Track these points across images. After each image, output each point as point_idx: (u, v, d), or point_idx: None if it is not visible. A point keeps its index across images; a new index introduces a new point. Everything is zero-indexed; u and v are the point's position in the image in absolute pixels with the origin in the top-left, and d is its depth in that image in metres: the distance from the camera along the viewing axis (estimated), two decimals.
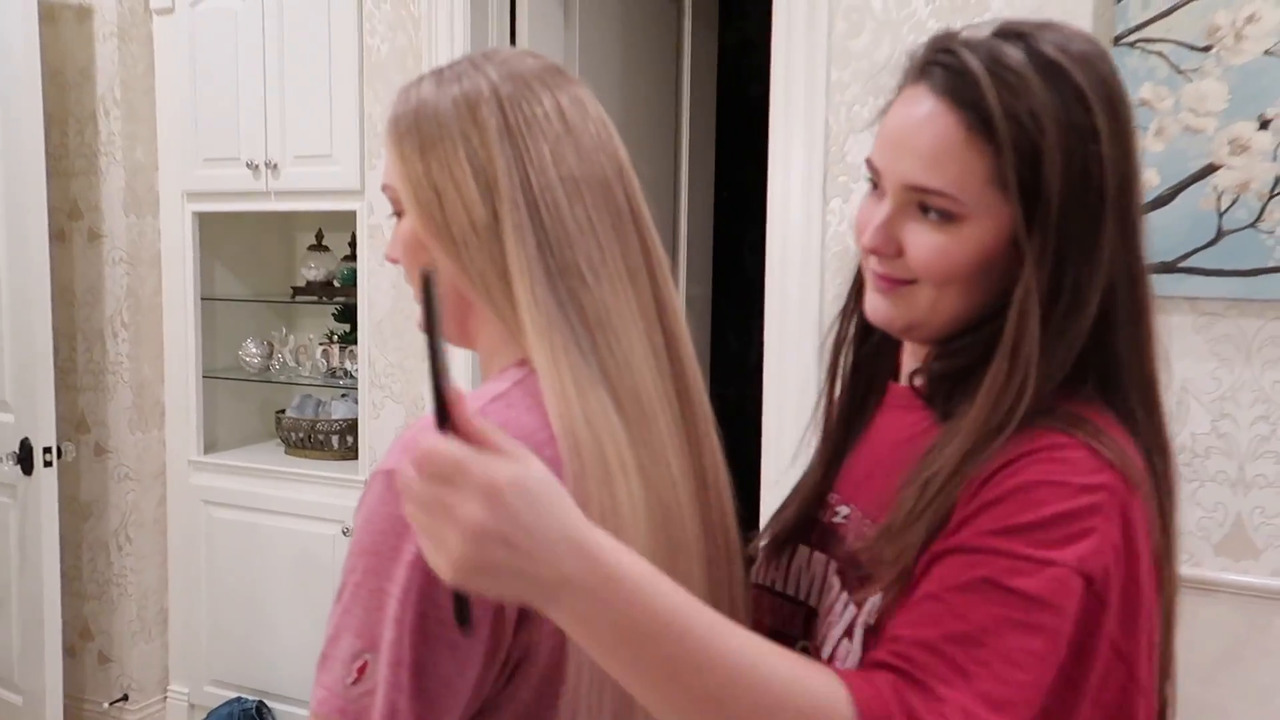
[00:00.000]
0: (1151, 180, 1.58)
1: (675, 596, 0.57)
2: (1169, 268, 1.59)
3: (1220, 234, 1.56)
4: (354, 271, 2.53)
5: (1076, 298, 0.69)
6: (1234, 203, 1.55)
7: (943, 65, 0.70)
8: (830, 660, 0.74)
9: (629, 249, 0.71)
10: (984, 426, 0.68)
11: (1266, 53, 1.50)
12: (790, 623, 0.81)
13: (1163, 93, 1.57)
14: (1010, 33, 0.71)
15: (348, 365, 2.63)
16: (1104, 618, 0.64)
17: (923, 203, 0.70)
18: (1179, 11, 1.54)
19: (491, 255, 0.69)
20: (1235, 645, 1.61)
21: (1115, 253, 0.69)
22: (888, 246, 0.72)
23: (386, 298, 2.39)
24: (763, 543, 0.86)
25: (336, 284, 2.69)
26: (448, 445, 0.53)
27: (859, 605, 0.72)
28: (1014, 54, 0.68)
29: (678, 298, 0.75)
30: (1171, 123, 1.57)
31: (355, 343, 2.58)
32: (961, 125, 0.69)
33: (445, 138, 0.70)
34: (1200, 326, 1.60)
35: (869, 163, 0.74)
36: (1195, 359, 1.61)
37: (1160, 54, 1.56)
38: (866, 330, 0.82)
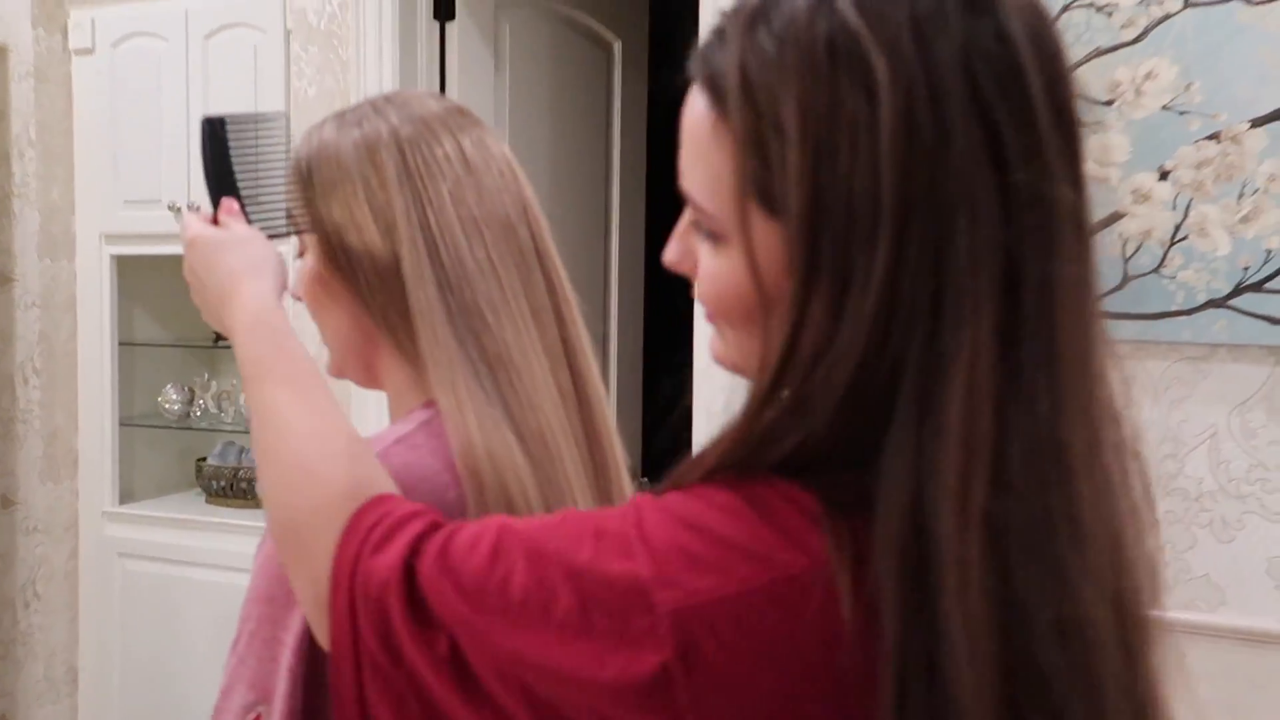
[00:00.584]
0: None
1: (280, 351, 0.68)
2: None
3: (1126, 279, 1.62)
4: None
5: (828, 343, 0.48)
6: (1138, 249, 1.62)
7: (714, 30, 0.52)
8: None
9: (533, 289, 0.72)
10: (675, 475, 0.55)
11: (1164, 108, 1.58)
12: None
13: None
14: None
15: None
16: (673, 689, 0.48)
17: (695, 216, 0.55)
18: (1083, 67, 1.62)
19: (393, 296, 0.70)
20: None
21: (905, 288, 0.47)
22: (685, 261, 0.57)
23: (312, 341, 2.35)
24: None
25: None
26: (190, 216, 0.78)
27: None
28: (795, 5, 0.48)
29: (586, 338, 0.75)
30: None
31: None
32: (709, 113, 0.51)
33: (345, 180, 0.71)
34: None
35: None
36: None
37: None
38: None
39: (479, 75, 2.38)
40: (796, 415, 0.50)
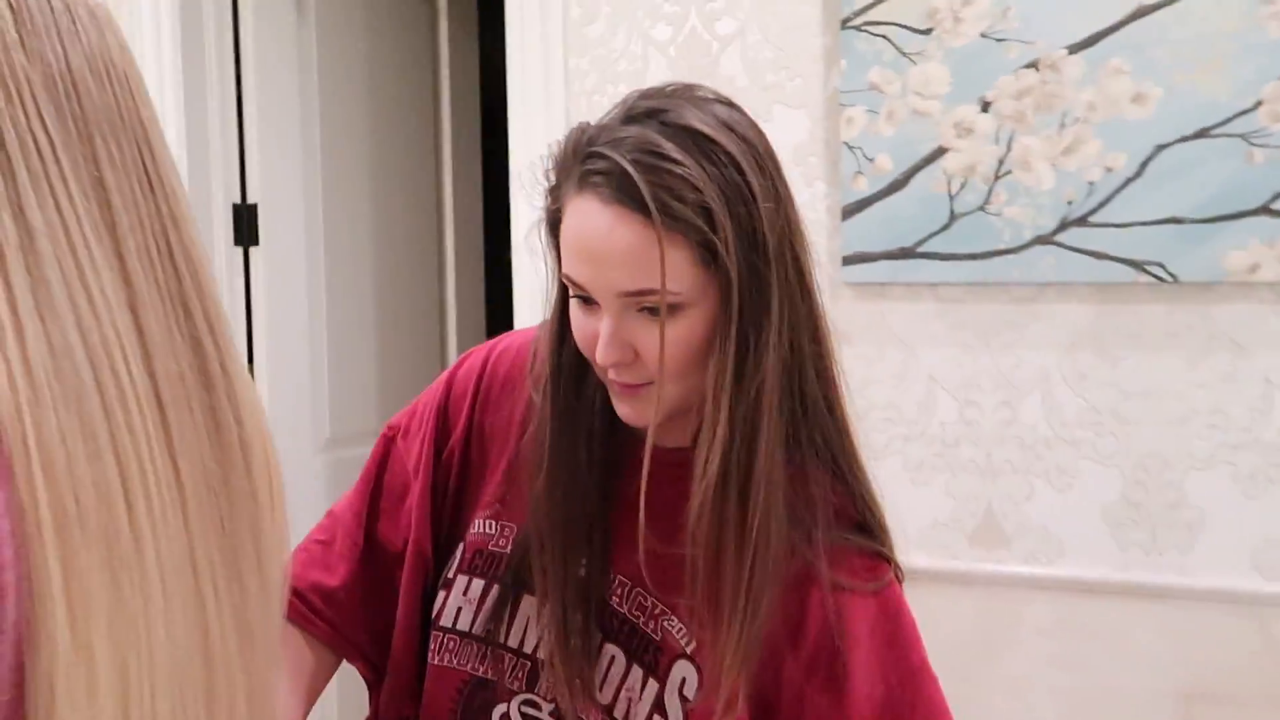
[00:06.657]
0: (885, 165, 1.55)
1: None
2: (908, 253, 1.55)
3: (953, 218, 1.54)
4: None
5: (756, 355, 0.74)
6: (963, 186, 1.53)
7: (600, 173, 0.72)
8: None
9: (114, 168, 0.54)
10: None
11: (983, 35, 1.50)
12: (504, 674, 0.84)
13: (889, 76, 1.54)
14: (643, 113, 0.73)
15: None
16: None
17: (641, 304, 0.73)
18: None
19: None
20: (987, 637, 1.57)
21: (787, 305, 0.74)
22: (625, 354, 0.75)
23: None
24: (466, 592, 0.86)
25: None
26: None
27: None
28: (656, 138, 0.71)
29: (194, 234, 0.57)
30: (900, 106, 1.54)
31: None
32: (646, 225, 0.71)
33: None
34: (941, 313, 1.58)
35: (569, 279, 0.76)
36: (938, 346, 1.58)
37: (885, 37, 1.54)
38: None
39: (279, 29, 2.16)
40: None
